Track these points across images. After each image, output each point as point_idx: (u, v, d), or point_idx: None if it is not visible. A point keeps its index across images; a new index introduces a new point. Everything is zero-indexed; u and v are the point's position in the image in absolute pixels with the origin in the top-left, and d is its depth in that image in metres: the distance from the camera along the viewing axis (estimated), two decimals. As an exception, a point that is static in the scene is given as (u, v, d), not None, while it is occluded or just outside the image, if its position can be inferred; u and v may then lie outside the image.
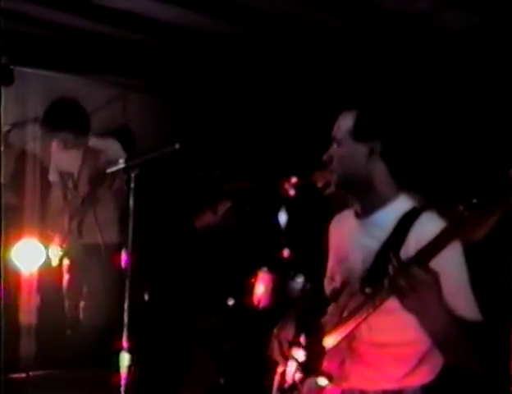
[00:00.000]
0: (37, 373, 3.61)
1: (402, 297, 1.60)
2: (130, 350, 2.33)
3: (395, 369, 1.90)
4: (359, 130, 1.95)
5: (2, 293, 2.46)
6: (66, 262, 4.11)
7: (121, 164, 2.39)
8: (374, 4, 3.51)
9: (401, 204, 1.95)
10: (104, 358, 2.67)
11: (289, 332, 2.13)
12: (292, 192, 3.56)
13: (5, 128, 3.59)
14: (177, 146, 2.37)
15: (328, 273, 2.18)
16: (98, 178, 3.92)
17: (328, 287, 2.12)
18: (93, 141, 4.09)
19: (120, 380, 2.35)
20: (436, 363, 1.91)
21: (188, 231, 3.96)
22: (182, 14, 3.79)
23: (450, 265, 1.73)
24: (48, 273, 4.04)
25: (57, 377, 3.59)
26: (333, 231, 2.22)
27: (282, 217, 3.68)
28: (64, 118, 3.97)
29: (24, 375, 3.56)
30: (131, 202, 2.34)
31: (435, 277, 1.59)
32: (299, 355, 2.04)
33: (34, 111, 4.21)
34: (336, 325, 1.87)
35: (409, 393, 1.90)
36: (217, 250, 4.07)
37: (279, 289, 3.58)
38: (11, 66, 3.56)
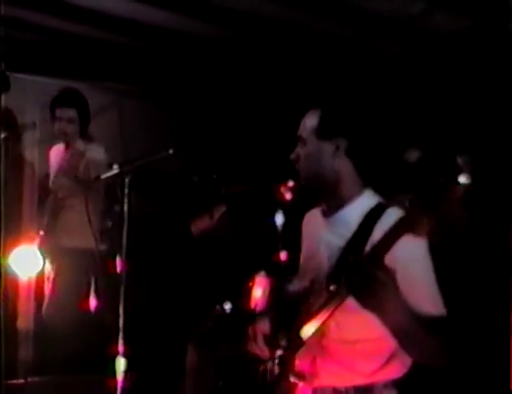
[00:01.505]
0: (35, 379, 3.61)
1: (357, 296, 1.61)
2: (126, 355, 2.34)
3: (365, 365, 1.89)
4: (324, 128, 1.97)
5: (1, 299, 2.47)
6: (48, 266, 4.09)
7: (115, 169, 2.40)
8: (365, 7, 3.52)
9: (366, 200, 1.96)
10: (101, 363, 2.67)
11: (264, 327, 2.13)
12: (289, 195, 3.57)
13: (2, 134, 3.59)
14: (171, 151, 2.38)
15: (300, 271, 2.19)
16: (77, 181, 3.95)
17: (300, 285, 2.12)
18: (79, 143, 4.09)
19: (116, 385, 2.36)
20: (407, 357, 1.89)
21: (185, 236, 3.96)
22: (175, 18, 3.80)
23: (412, 261, 1.74)
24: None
25: (55, 382, 3.58)
26: (304, 230, 2.23)
27: (279, 221, 3.68)
28: (73, 98, 4.03)
29: (22, 381, 3.56)
30: (125, 207, 2.35)
31: (389, 275, 1.59)
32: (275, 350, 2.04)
33: (31, 117, 4.22)
34: (304, 322, 1.87)
35: (380, 388, 1.90)
36: (213, 254, 4.07)
37: (276, 292, 3.58)
38: (8, 73, 3.57)
